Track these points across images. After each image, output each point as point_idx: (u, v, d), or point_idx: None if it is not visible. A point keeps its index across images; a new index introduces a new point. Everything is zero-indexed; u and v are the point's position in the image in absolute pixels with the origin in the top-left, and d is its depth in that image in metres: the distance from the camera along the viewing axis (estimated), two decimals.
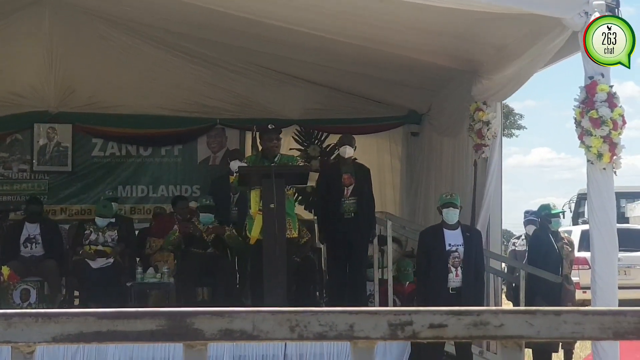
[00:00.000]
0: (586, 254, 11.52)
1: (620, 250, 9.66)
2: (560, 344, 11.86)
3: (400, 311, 2.08)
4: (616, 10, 8.64)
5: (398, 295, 11.75)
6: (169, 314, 2.04)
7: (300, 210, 13.39)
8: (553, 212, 11.87)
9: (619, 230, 9.43)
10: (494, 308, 2.12)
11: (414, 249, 11.98)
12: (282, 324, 2.06)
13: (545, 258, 11.34)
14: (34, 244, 12.21)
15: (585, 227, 13.15)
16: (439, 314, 2.09)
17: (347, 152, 11.65)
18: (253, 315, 2.06)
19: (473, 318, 2.09)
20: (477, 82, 11.28)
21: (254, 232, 10.24)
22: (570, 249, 12.19)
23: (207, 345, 2.09)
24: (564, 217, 12.49)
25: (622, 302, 8.97)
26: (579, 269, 14.04)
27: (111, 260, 11.69)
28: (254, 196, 10.34)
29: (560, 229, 12.51)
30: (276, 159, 10.56)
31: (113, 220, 12.24)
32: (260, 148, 11.56)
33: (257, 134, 13.43)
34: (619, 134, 8.78)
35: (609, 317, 2.11)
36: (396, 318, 2.08)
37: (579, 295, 13.35)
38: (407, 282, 12.15)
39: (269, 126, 10.95)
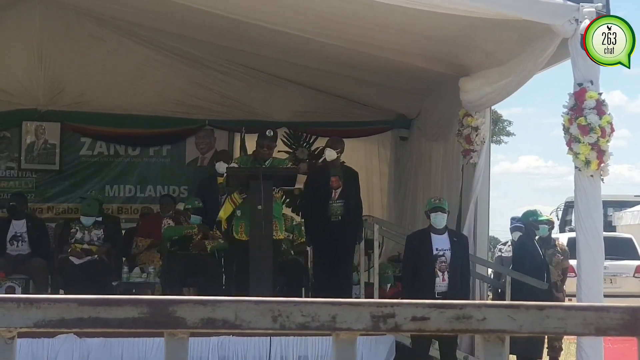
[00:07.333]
0: (573, 262, 11.54)
1: (606, 259, 9.68)
2: (547, 350, 11.89)
3: (383, 303, 2.08)
4: None
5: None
6: (151, 302, 2.04)
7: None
8: (540, 218, 11.88)
9: (606, 239, 9.46)
10: (477, 302, 2.13)
11: (400, 253, 11.97)
12: (264, 314, 2.06)
13: (529, 264, 11.35)
14: (20, 241, 12.16)
15: (572, 234, 13.17)
16: (421, 306, 2.09)
17: (328, 154, 11.60)
18: (236, 305, 2.05)
19: (456, 311, 2.09)
20: (465, 91, 11.28)
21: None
22: (562, 257, 12.20)
23: (188, 334, 2.08)
24: (551, 227, 12.49)
25: None
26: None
27: (95, 256, 11.66)
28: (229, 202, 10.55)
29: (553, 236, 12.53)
30: (267, 162, 10.57)
31: (100, 219, 12.21)
32: (252, 149, 11.55)
33: (245, 135, 13.43)
34: (607, 141, 8.81)
35: (592, 313, 2.12)
36: (379, 310, 2.07)
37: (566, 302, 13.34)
38: (388, 285, 12.15)
39: (267, 132, 10.85)
